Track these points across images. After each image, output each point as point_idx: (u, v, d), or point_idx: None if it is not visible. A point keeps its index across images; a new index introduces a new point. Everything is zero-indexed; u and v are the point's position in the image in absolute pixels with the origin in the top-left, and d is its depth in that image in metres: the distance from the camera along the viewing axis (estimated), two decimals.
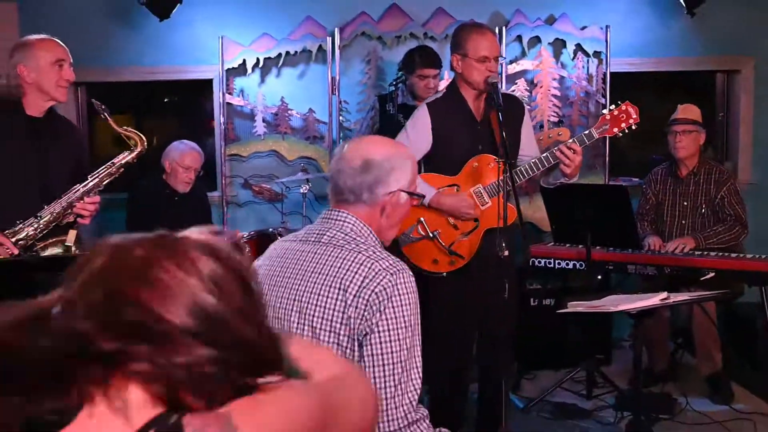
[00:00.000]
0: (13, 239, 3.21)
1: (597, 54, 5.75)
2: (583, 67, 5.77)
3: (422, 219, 3.80)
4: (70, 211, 3.33)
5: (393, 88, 4.93)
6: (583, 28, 5.72)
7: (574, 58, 5.77)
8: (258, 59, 5.63)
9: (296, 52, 5.66)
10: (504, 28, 5.58)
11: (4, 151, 3.35)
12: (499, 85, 3.81)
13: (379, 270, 2.02)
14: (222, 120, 5.66)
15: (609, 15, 5.72)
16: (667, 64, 5.89)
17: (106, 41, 5.64)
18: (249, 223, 5.64)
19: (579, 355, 4.81)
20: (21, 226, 3.25)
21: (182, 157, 4.91)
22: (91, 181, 3.38)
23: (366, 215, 2.22)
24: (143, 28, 5.61)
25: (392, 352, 1.97)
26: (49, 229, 3.31)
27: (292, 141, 5.73)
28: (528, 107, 5.51)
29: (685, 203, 4.81)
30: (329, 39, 5.59)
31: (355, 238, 2.15)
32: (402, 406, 1.98)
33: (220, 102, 5.66)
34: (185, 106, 6.37)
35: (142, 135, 3.48)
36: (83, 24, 5.58)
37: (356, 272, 2.04)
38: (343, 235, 2.16)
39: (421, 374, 2.04)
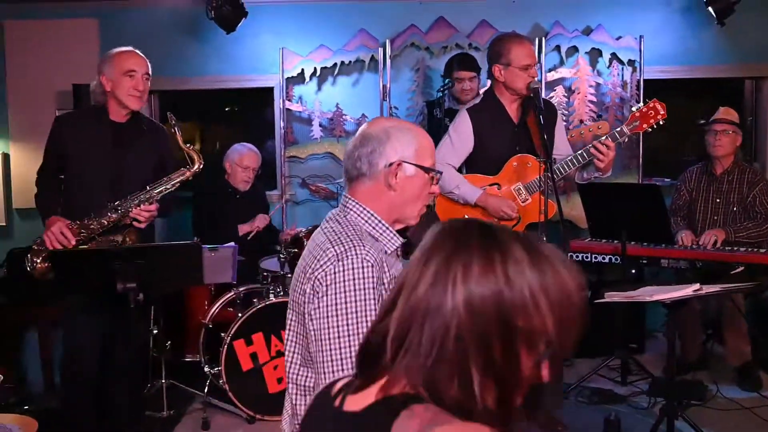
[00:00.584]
0: (80, 231, 3.34)
1: (631, 62, 5.71)
2: (618, 74, 5.73)
3: (466, 216, 3.84)
4: (127, 214, 3.41)
5: (440, 94, 4.95)
6: (619, 38, 5.68)
7: (609, 66, 5.74)
8: (315, 69, 5.71)
9: (350, 61, 5.74)
10: (543, 38, 5.58)
11: (88, 153, 3.47)
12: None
13: (331, 256, 1.88)
14: (282, 125, 5.76)
15: (643, 26, 5.67)
16: (698, 71, 5.82)
17: (177, 53, 5.77)
18: (306, 219, 5.69)
19: (614, 344, 4.79)
20: (86, 221, 3.37)
21: (241, 158, 5.02)
22: (150, 191, 3.47)
23: (371, 191, 2.03)
24: (210, 41, 5.72)
25: (322, 339, 1.84)
26: (110, 226, 3.41)
27: (345, 144, 5.77)
28: (566, 112, 5.53)
29: (718, 200, 4.76)
30: (381, 50, 5.65)
31: (343, 224, 2.00)
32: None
33: (280, 108, 5.76)
34: (248, 112, 6.46)
35: (200, 155, 3.53)
36: (156, 37, 5.71)
37: (316, 257, 1.92)
38: (334, 223, 2.02)
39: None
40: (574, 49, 5.71)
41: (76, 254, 3.17)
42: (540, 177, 3.68)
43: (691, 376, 4.62)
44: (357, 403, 1.16)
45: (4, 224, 5.79)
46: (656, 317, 5.44)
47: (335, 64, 5.72)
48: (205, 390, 4.27)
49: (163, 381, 4.25)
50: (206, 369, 4.33)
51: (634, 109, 3.75)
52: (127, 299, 3.05)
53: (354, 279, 1.85)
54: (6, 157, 5.78)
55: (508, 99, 3.82)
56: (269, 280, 4.45)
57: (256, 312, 4.18)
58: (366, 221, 2.02)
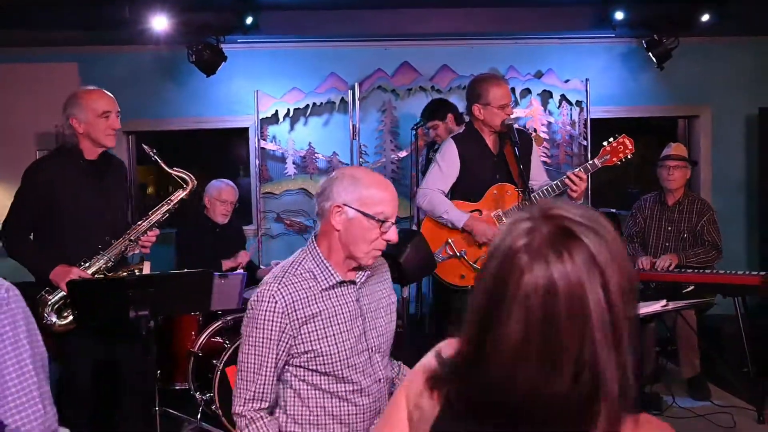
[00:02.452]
0: (89, 272, 3.21)
1: (579, 103, 5.93)
2: (568, 114, 5.95)
3: (450, 240, 3.92)
4: (136, 243, 3.34)
5: (414, 131, 5.02)
6: (567, 81, 5.91)
7: (559, 107, 5.95)
8: (288, 110, 5.75)
9: (322, 103, 5.80)
10: None
11: (71, 193, 3.30)
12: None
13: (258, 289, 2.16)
14: (257, 162, 5.75)
15: (588, 70, 5.92)
16: (638, 111, 6.09)
17: (156, 95, 5.74)
18: (281, 252, 5.68)
19: None
20: (93, 260, 3.24)
21: (219, 193, 4.99)
22: (153, 216, 3.40)
23: (323, 229, 2.19)
24: (189, 84, 5.71)
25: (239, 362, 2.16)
26: (118, 260, 3.32)
27: (318, 180, 5.79)
28: None
29: (670, 228, 4.92)
30: (350, 92, 5.73)
31: (291, 261, 2.22)
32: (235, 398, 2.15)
33: (255, 147, 5.76)
34: (223, 151, 6.44)
35: (190, 174, 3.47)
36: (136, 80, 5.68)
37: None
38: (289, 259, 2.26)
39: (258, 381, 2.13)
40: (527, 91, 5.91)
41: (93, 284, 3.09)
42: (518, 204, 3.78)
43: (648, 389, 4.73)
44: None
45: None
46: None
47: (307, 106, 5.77)
48: (198, 416, 4.19)
49: (157, 408, 4.14)
50: (197, 395, 4.25)
51: (605, 143, 3.87)
52: (137, 326, 3.00)
53: (255, 312, 2.11)
54: None
55: (487, 133, 3.93)
56: None
57: None
58: (312, 259, 2.19)
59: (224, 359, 4.07)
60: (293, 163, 5.81)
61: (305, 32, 5.65)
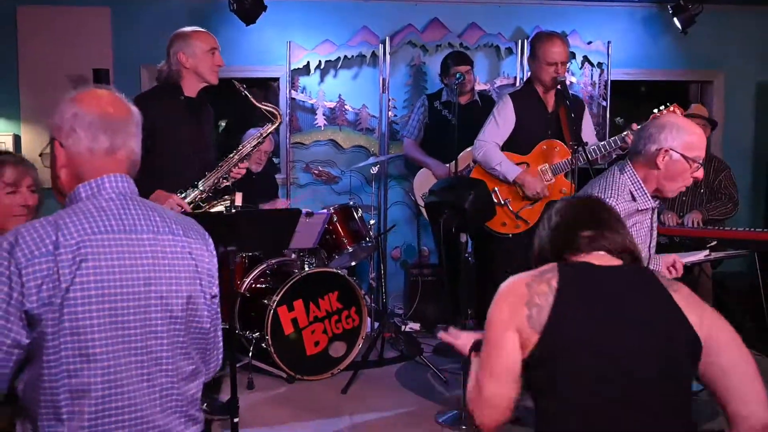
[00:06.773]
0: (186, 201, 3.36)
1: (600, 65, 6.10)
2: (589, 75, 6.12)
3: (496, 189, 4.11)
4: (227, 175, 3.49)
5: (456, 83, 5.11)
6: (590, 42, 6.07)
7: (581, 68, 6.12)
8: (320, 61, 5.83)
9: (353, 56, 5.88)
10: (525, 41, 5.87)
11: (170, 127, 3.46)
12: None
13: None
14: (287, 113, 5.84)
15: (611, 33, 6.09)
16: (657, 74, 6.29)
17: None
18: (308, 201, 5.80)
19: None
20: (188, 191, 3.39)
21: None
22: (243, 149, 3.55)
23: (642, 164, 2.69)
24: (220, 32, 5.63)
25: None
26: (211, 191, 3.46)
27: (347, 132, 5.94)
28: None
29: None
30: (381, 46, 5.82)
31: (615, 179, 2.73)
32: None
33: (286, 97, 5.84)
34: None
35: (279, 109, 3.59)
36: (168, 27, 5.54)
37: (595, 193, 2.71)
38: (611, 176, 2.76)
39: None
40: None
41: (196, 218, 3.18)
42: (569, 160, 3.98)
43: None
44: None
45: None
46: None
47: (338, 58, 5.84)
48: (250, 353, 4.35)
49: None
50: (247, 334, 4.41)
51: (655, 111, 4.06)
52: (227, 261, 3.11)
53: None
54: (17, 138, 5.64)
55: (541, 89, 4.12)
56: (305, 252, 4.57)
57: (297, 281, 4.30)
58: (632, 183, 2.70)
59: (276, 300, 4.25)
60: (323, 114, 5.90)
61: None
